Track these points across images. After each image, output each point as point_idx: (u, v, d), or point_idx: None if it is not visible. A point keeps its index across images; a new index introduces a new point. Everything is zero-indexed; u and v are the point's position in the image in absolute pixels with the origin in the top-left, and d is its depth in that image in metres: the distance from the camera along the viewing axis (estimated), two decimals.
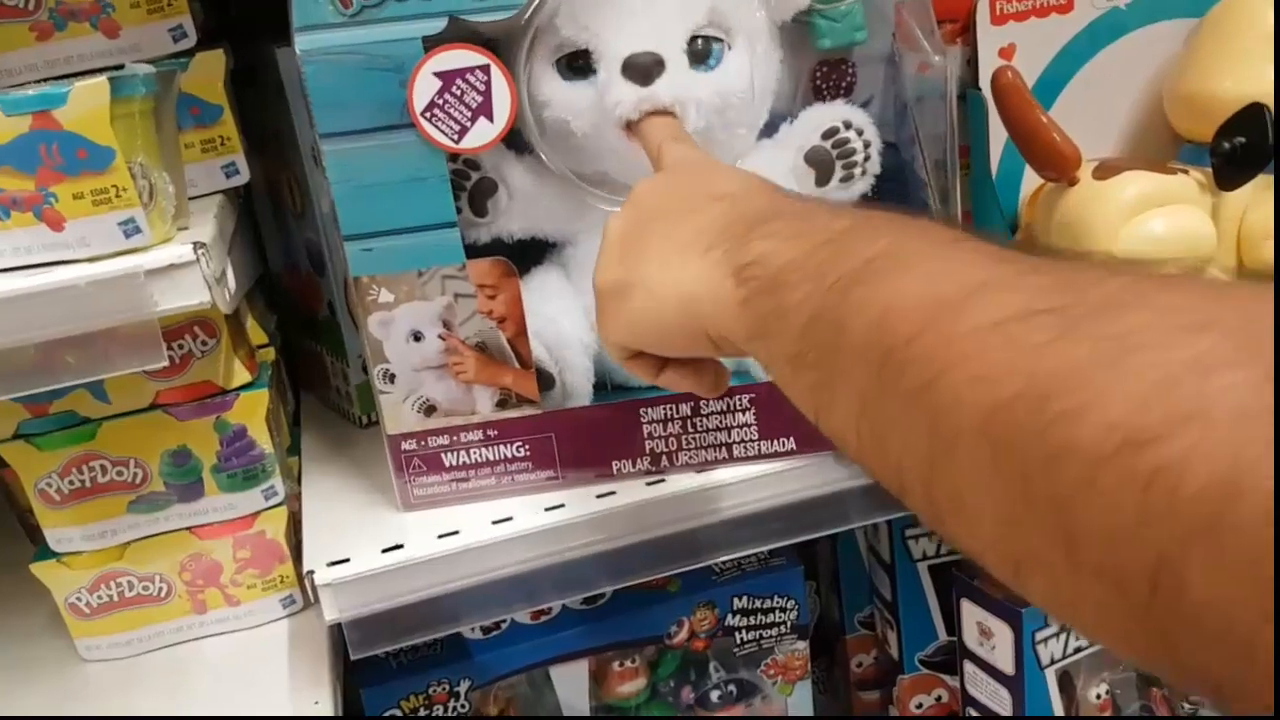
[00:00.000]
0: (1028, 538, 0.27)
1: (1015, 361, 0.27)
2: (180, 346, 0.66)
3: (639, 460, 0.66)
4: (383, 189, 0.58)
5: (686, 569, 0.67)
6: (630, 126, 0.59)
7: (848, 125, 0.63)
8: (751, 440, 0.66)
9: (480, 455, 0.65)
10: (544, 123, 0.61)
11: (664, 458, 0.66)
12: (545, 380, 0.64)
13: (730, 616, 0.83)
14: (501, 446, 0.65)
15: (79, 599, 0.69)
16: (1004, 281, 0.30)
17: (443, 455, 0.65)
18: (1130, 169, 0.72)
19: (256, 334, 0.74)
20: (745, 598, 0.83)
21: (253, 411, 0.68)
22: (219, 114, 0.67)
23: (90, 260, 0.55)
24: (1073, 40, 0.77)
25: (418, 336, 0.62)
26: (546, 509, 0.64)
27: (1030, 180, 0.79)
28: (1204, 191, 0.72)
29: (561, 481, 0.66)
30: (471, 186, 0.62)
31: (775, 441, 0.66)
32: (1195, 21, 0.77)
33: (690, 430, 0.65)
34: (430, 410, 0.64)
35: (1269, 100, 0.70)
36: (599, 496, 0.65)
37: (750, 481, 0.66)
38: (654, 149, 0.56)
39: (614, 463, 0.66)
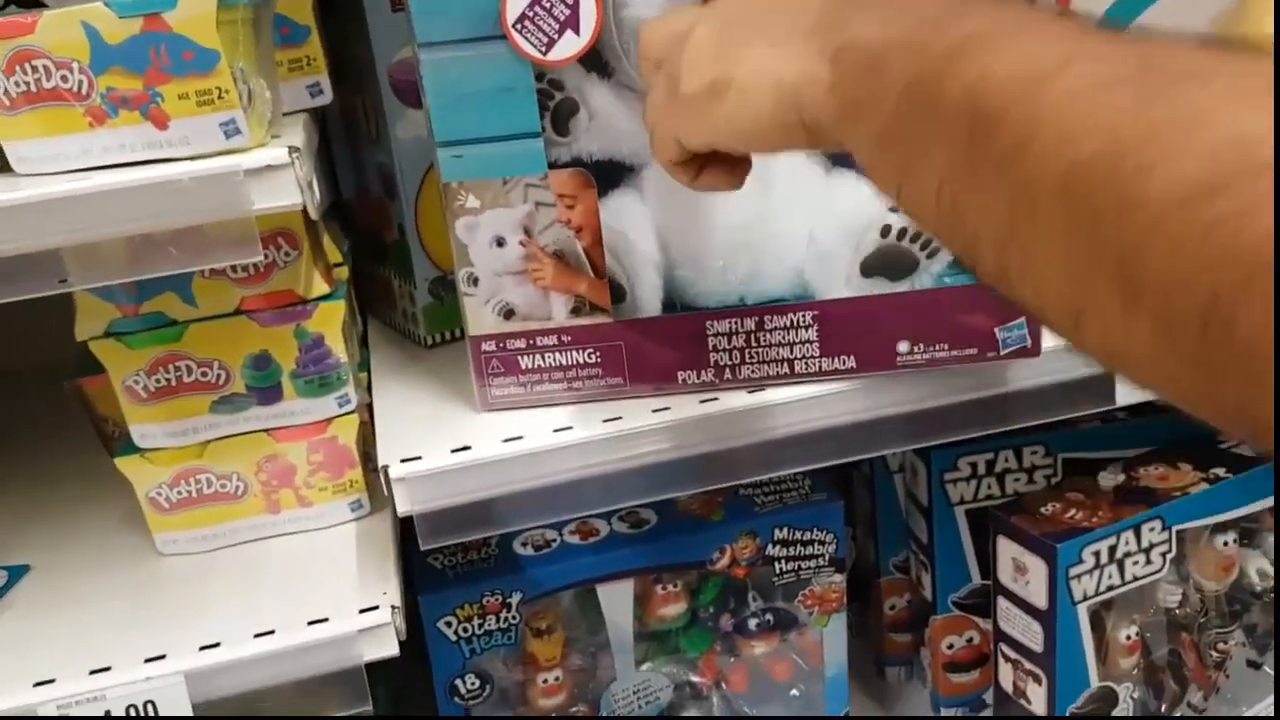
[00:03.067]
0: (1092, 288, 0.29)
1: (1097, 123, 0.29)
2: (265, 255, 0.69)
3: (703, 372, 0.69)
4: (474, 98, 0.62)
5: (731, 485, 0.69)
6: None
7: None
8: (813, 357, 0.68)
9: (554, 360, 0.68)
10: (623, 24, 0.63)
11: (727, 370, 0.69)
12: (617, 292, 0.67)
13: (771, 546, 0.86)
14: (574, 352, 0.68)
15: (159, 494, 0.73)
16: (1094, 53, 0.31)
17: (519, 358, 0.68)
18: None
19: (333, 252, 0.77)
20: (786, 529, 0.86)
21: (330, 321, 0.71)
22: (307, 34, 0.70)
23: (192, 159, 0.59)
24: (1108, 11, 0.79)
25: (500, 242, 0.66)
26: (605, 420, 0.67)
27: None
28: None
29: (629, 389, 0.69)
30: (555, 106, 0.65)
31: (836, 359, 0.69)
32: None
33: (754, 344, 0.68)
34: (509, 314, 0.67)
35: None
36: (654, 411, 0.68)
37: (801, 402, 0.69)
38: None
39: (679, 373, 0.69)
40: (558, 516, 0.68)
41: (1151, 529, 0.84)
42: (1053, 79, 0.31)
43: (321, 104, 0.72)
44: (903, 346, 0.69)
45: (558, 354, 0.69)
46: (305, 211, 0.60)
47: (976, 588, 0.96)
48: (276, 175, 0.59)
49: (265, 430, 0.73)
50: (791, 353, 0.69)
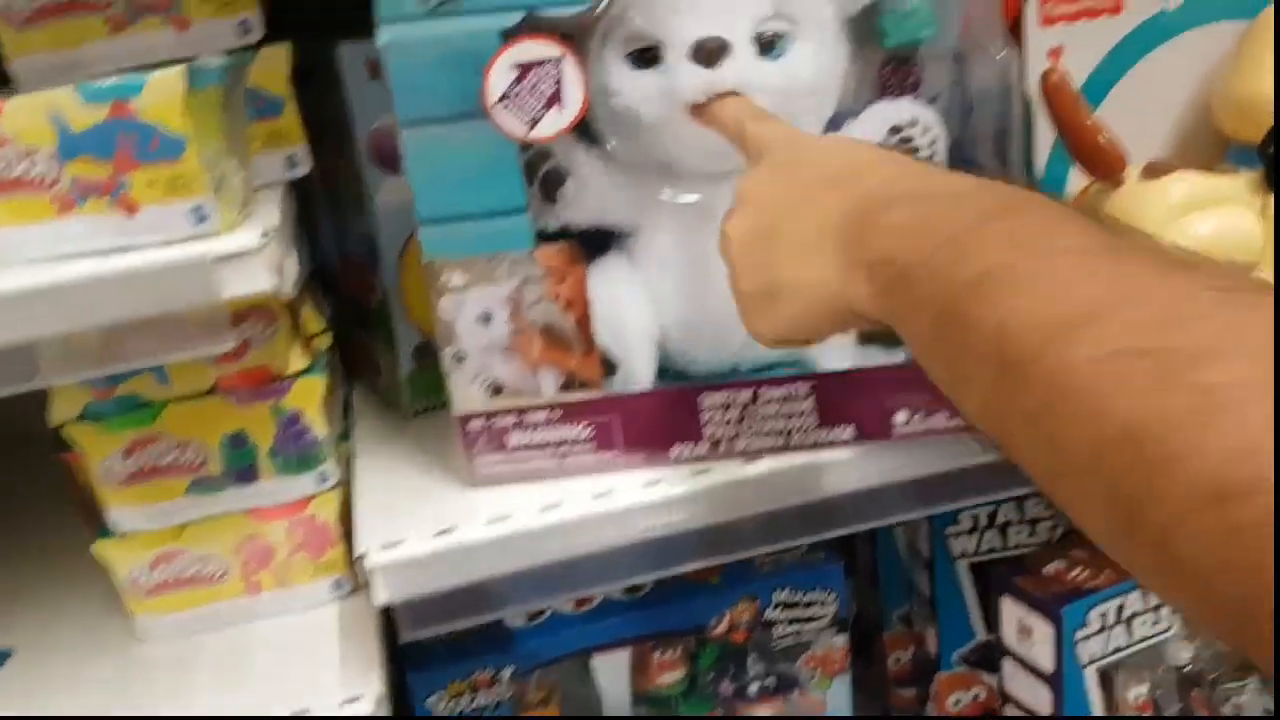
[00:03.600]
0: (1132, 556, 0.30)
1: (1120, 404, 0.30)
2: (241, 332, 0.67)
3: (698, 445, 0.67)
4: (458, 175, 0.61)
5: (731, 559, 0.68)
6: (699, 110, 0.60)
7: (914, 123, 0.64)
8: (810, 428, 0.67)
9: (544, 436, 0.67)
10: (613, 111, 0.63)
11: (722, 443, 0.67)
12: (608, 365, 0.66)
13: (771, 609, 0.84)
14: (565, 427, 0.67)
15: (138, 577, 0.71)
16: (1113, 308, 0.31)
17: (508, 434, 0.67)
18: (1178, 169, 0.72)
19: (312, 321, 0.75)
20: (786, 590, 0.84)
21: (309, 397, 0.69)
22: (282, 107, 0.68)
23: (161, 245, 0.57)
24: (1122, 42, 0.77)
25: (486, 318, 0.64)
26: (595, 495, 0.65)
27: (1076, 181, 0.80)
28: (1253, 192, 0.72)
29: (622, 463, 0.67)
30: (542, 175, 0.64)
31: (833, 430, 0.67)
32: (1245, 24, 0.77)
33: (749, 417, 0.66)
34: (497, 390, 0.66)
35: None
36: (647, 485, 0.66)
37: (800, 470, 0.67)
38: (733, 130, 0.58)
39: (673, 447, 0.67)
40: (548, 600, 0.66)
41: None
42: (1075, 337, 0.32)
43: (299, 175, 0.70)
44: (900, 417, 0.67)
45: (547, 430, 0.67)
46: None
47: (982, 642, 0.94)
48: (248, 260, 0.57)
49: (243, 511, 0.71)
50: (788, 424, 0.67)
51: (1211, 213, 0.71)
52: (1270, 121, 0.72)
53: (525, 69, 0.59)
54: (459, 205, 0.62)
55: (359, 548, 0.63)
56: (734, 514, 0.67)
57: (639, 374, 0.67)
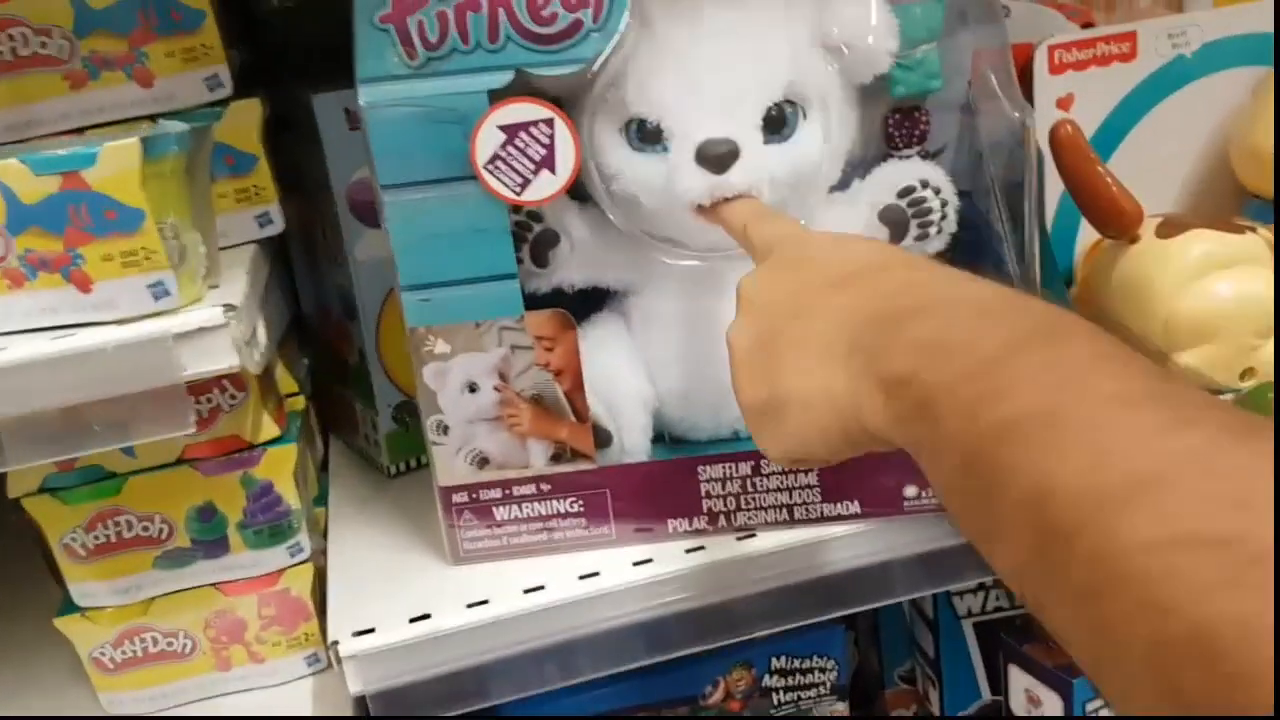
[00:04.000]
0: None
1: (1185, 601, 0.25)
2: (208, 400, 0.64)
3: (695, 519, 0.64)
4: (443, 240, 0.57)
5: (728, 641, 0.64)
6: (703, 210, 0.58)
7: (925, 184, 0.61)
8: (814, 502, 0.63)
9: (533, 510, 0.63)
10: (612, 192, 0.60)
11: (721, 517, 0.64)
12: (602, 437, 0.62)
13: (768, 677, 0.80)
14: (555, 501, 0.63)
15: (103, 654, 0.67)
16: (1172, 480, 0.27)
17: (494, 508, 0.63)
18: (1195, 227, 0.69)
19: (286, 383, 0.72)
20: (784, 658, 0.80)
21: (280, 467, 0.66)
22: (254, 164, 0.65)
23: (118, 323, 0.54)
24: (1135, 89, 0.74)
25: (473, 388, 0.61)
26: (580, 576, 0.62)
27: (1086, 235, 0.77)
28: (1271, 252, 0.69)
29: (615, 539, 0.64)
30: (534, 237, 0.61)
31: (839, 504, 0.63)
32: (1264, 70, 0.74)
33: (750, 490, 0.63)
34: (483, 462, 0.62)
35: None
36: (636, 564, 0.63)
37: (802, 548, 0.63)
38: (739, 232, 0.55)
39: (670, 521, 0.64)
40: (533, 689, 0.62)
41: None
42: (1128, 512, 0.27)
43: (271, 234, 0.67)
44: (910, 490, 0.63)
45: (536, 504, 0.63)
46: None
47: (987, 704, 0.91)
48: (211, 336, 0.54)
49: (212, 585, 0.67)
50: (790, 498, 0.63)
51: (1231, 273, 0.68)
52: None
53: (514, 131, 0.55)
54: (444, 271, 0.58)
55: (331, 634, 0.59)
56: (727, 594, 0.63)
57: (634, 444, 0.64)
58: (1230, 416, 0.29)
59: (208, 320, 0.54)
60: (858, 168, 0.63)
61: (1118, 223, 0.70)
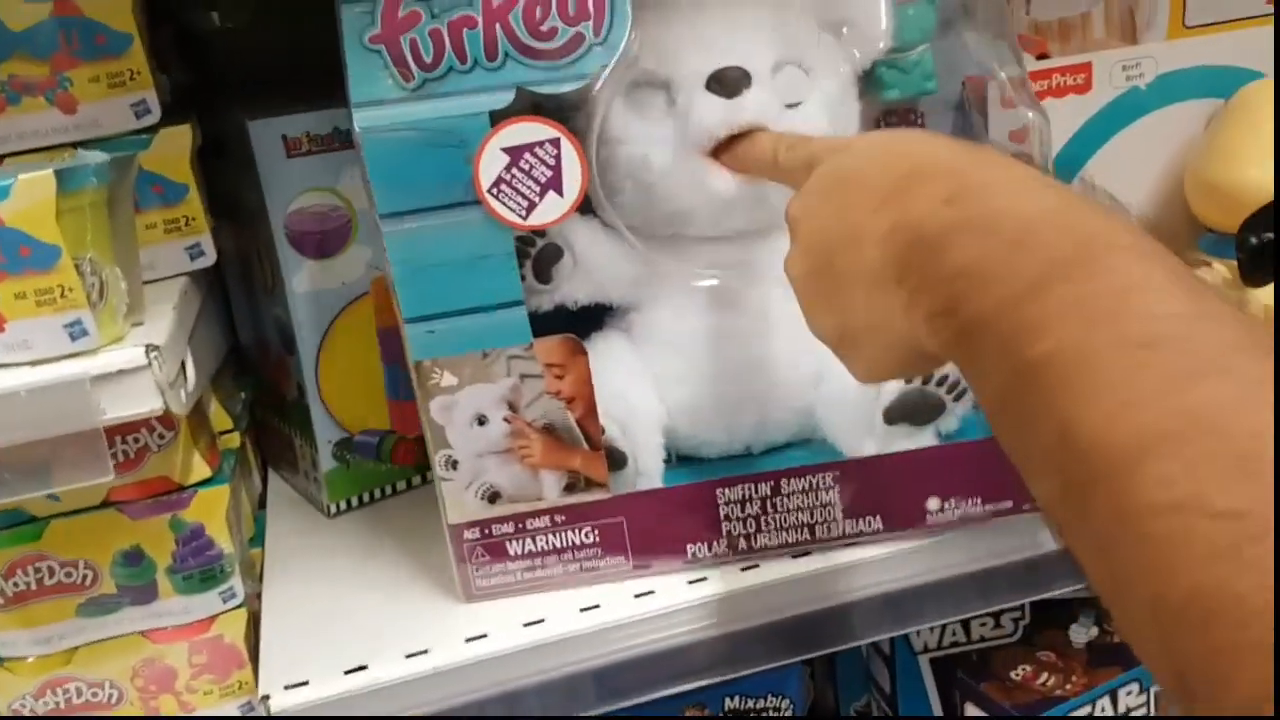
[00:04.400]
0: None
1: (1184, 567, 0.26)
2: (135, 440, 0.61)
3: (715, 543, 0.62)
4: (446, 269, 0.55)
5: (729, 676, 0.63)
6: (721, 150, 0.56)
7: None
8: (834, 520, 0.62)
9: (548, 543, 0.61)
10: (616, 162, 0.58)
11: (742, 540, 0.62)
12: (616, 459, 0.60)
13: (721, 717, 0.78)
14: (570, 533, 0.61)
15: (23, 705, 0.64)
16: (1186, 439, 0.27)
17: (508, 544, 0.61)
18: None
19: (220, 419, 0.69)
20: (738, 698, 0.79)
21: (211, 509, 0.63)
22: (184, 193, 0.63)
23: (33, 364, 0.51)
24: (1090, 121, 0.74)
25: (482, 420, 0.59)
26: (525, 624, 0.60)
27: None
28: (1228, 287, 0.69)
29: (632, 569, 0.62)
30: (536, 253, 0.59)
31: (860, 521, 0.62)
32: (1219, 103, 0.73)
33: (771, 510, 0.61)
34: (494, 497, 0.60)
35: None
36: (583, 610, 0.60)
37: (808, 578, 0.62)
38: (769, 164, 0.52)
39: (689, 547, 0.62)
40: None
41: (1129, 693, 0.78)
42: (1139, 472, 0.28)
43: (203, 265, 0.64)
44: (933, 504, 0.62)
45: (551, 536, 0.61)
46: None
47: None
48: (132, 379, 0.52)
49: (140, 632, 0.64)
50: (812, 517, 0.62)
51: None
52: (1247, 210, 0.68)
53: (519, 153, 0.54)
54: (448, 301, 0.56)
55: (262, 687, 0.57)
56: (734, 627, 0.61)
57: (648, 464, 0.62)
58: (1255, 366, 0.28)
59: (128, 361, 0.51)
60: None
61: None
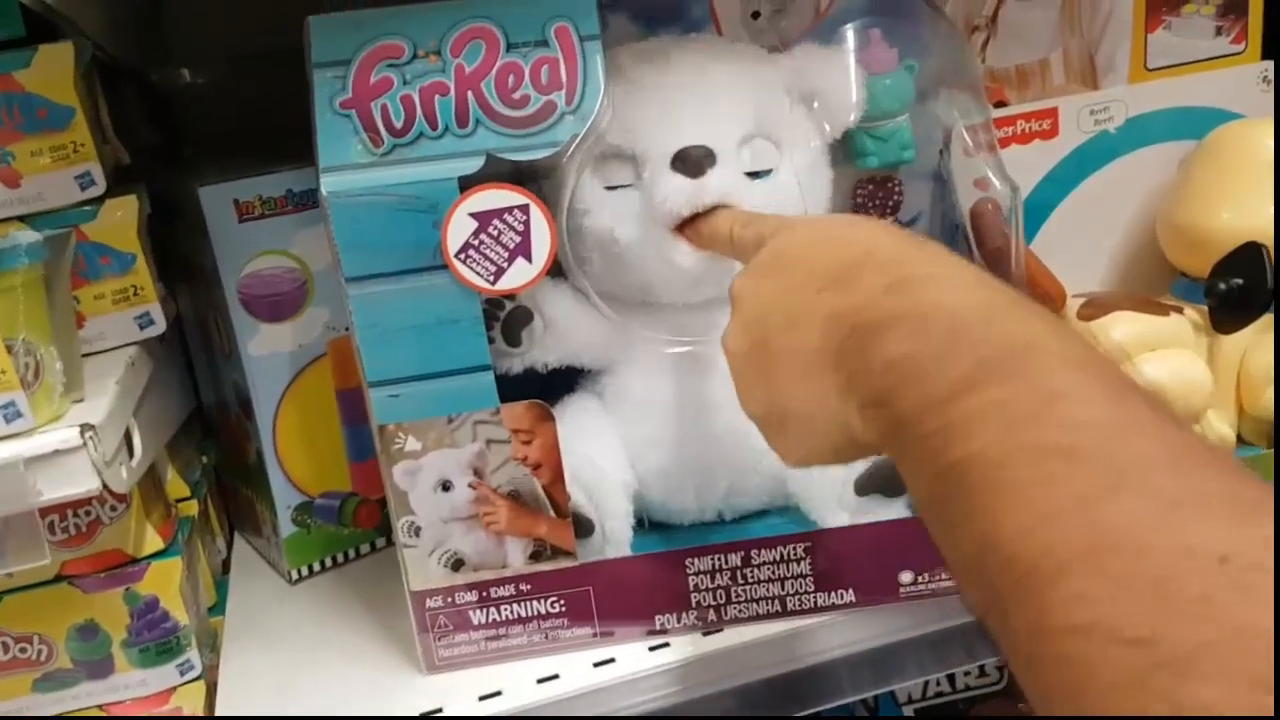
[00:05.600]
0: None
1: (1098, 698, 0.26)
2: (86, 514, 0.60)
3: (684, 615, 0.61)
4: (412, 333, 0.54)
5: None
6: (684, 227, 0.55)
7: None
8: (807, 593, 0.61)
9: (512, 611, 0.60)
10: (584, 233, 0.58)
11: (711, 611, 0.61)
12: (583, 527, 0.59)
13: None
14: (535, 602, 0.60)
15: None
16: (1099, 559, 0.27)
17: (471, 612, 0.60)
18: (1119, 308, 0.67)
19: (177, 487, 0.69)
20: None
21: (165, 581, 0.63)
22: (132, 262, 0.62)
23: None
24: (1057, 166, 0.73)
25: (446, 486, 0.58)
26: (481, 697, 0.58)
27: None
28: (1199, 333, 0.67)
29: (598, 639, 0.61)
30: (505, 316, 0.58)
31: (833, 593, 0.61)
32: (1190, 145, 0.72)
33: (740, 581, 0.60)
34: (458, 564, 0.59)
35: (1269, 236, 0.65)
36: (539, 681, 0.59)
37: (772, 642, 0.60)
38: (725, 240, 0.52)
39: (658, 618, 0.61)
40: None
41: None
42: (1054, 591, 0.27)
43: (152, 335, 0.64)
44: (905, 576, 0.61)
45: (516, 605, 0.60)
46: None
47: None
48: (68, 459, 0.51)
49: (98, 706, 0.64)
50: (783, 589, 0.61)
51: (1155, 356, 0.65)
52: (1219, 254, 0.66)
53: (487, 218, 0.53)
54: (414, 365, 0.55)
55: None
56: (692, 694, 0.60)
57: (616, 532, 0.61)
58: (1174, 483, 0.27)
59: (63, 442, 0.51)
60: None
61: (1039, 303, 0.67)
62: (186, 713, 0.65)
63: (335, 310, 0.69)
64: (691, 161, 0.54)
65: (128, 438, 0.58)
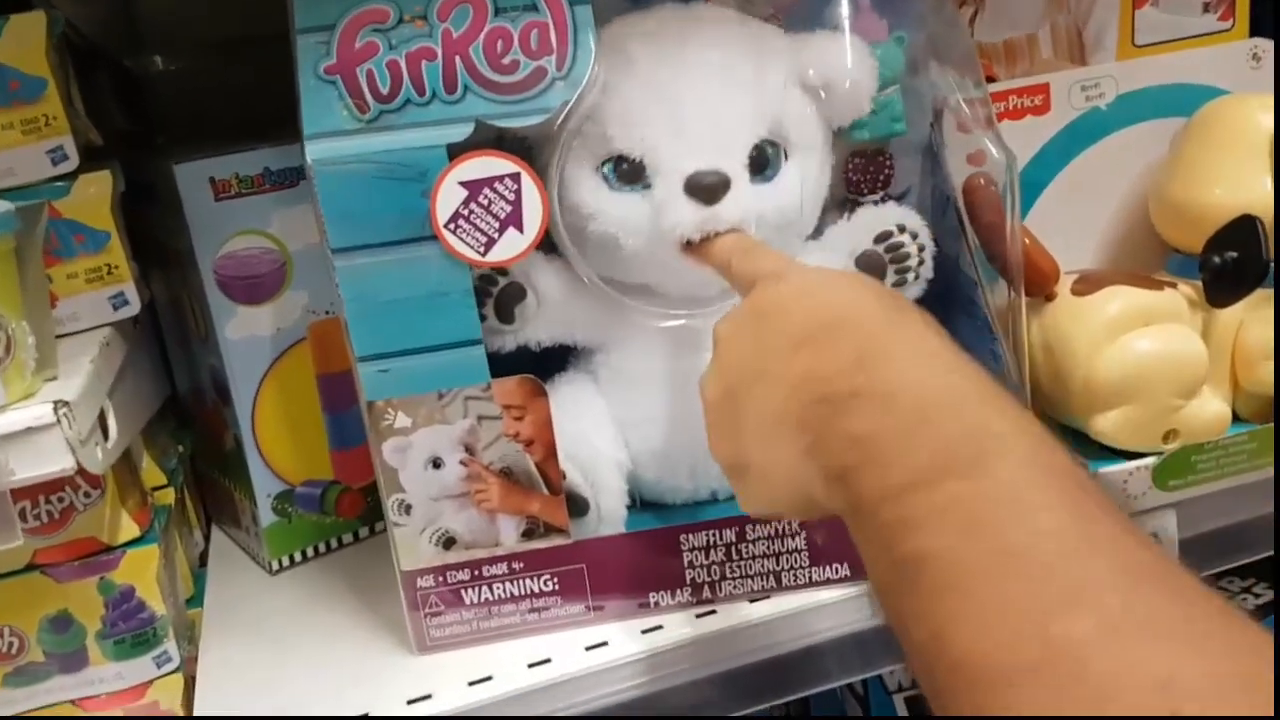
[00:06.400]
0: None
1: None
2: (60, 500, 0.58)
3: (679, 591, 0.60)
4: (401, 306, 0.53)
5: None
6: (689, 246, 0.55)
7: (902, 229, 0.59)
8: (802, 567, 0.60)
9: (505, 590, 0.59)
10: (585, 234, 0.56)
11: (706, 588, 0.60)
12: (577, 505, 0.58)
13: None
14: (528, 580, 0.59)
15: None
16: (1044, 673, 0.27)
17: (463, 591, 0.59)
18: (1112, 283, 0.66)
19: (153, 474, 0.66)
20: None
21: (141, 570, 0.61)
22: (106, 240, 0.60)
23: None
24: (1050, 143, 0.72)
25: (437, 463, 0.56)
26: (470, 682, 0.57)
27: (1003, 289, 0.73)
28: (1194, 308, 0.66)
29: (592, 617, 0.60)
30: (498, 293, 0.57)
31: (828, 567, 0.60)
32: (1181, 121, 0.71)
33: (735, 558, 0.60)
34: (449, 543, 0.58)
35: (1263, 210, 0.65)
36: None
37: (765, 625, 0.59)
38: (724, 267, 0.52)
39: (651, 595, 0.60)
40: None
41: None
42: (997, 696, 0.28)
43: (127, 315, 0.62)
44: None
45: (508, 583, 0.59)
46: None
47: None
48: (41, 437, 0.49)
49: (71, 701, 0.61)
50: (778, 564, 0.60)
51: (1150, 331, 0.64)
52: (1211, 230, 0.66)
53: (478, 187, 0.52)
54: (403, 339, 0.54)
55: None
56: (688, 677, 0.59)
57: (611, 510, 0.60)
58: (1125, 602, 0.28)
59: (36, 419, 0.49)
60: (827, 214, 0.61)
61: (1033, 280, 0.66)
62: (163, 707, 0.63)
63: (315, 293, 0.68)
64: (705, 190, 0.54)
65: (102, 419, 0.56)
